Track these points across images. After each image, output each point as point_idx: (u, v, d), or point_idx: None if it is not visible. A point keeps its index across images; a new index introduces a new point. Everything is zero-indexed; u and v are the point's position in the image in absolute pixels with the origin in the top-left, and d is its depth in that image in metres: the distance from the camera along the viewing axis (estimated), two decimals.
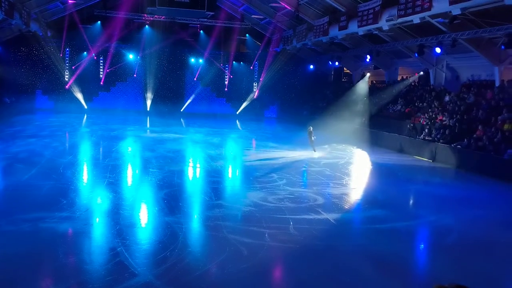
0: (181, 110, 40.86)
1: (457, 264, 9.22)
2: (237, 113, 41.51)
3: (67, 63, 39.33)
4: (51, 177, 15.19)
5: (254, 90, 42.03)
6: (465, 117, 22.46)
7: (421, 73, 30.07)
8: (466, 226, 11.83)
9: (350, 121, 29.08)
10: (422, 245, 11.08)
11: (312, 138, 21.83)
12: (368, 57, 31.18)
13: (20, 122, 28.03)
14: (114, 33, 36.80)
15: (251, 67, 42.09)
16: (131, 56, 40.06)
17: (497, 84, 23.55)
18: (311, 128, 22.00)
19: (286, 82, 41.02)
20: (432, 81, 29.00)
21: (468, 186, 17.35)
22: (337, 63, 36.87)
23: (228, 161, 21.77)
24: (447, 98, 25.40)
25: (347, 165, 20.43)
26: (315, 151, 21.91)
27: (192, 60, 41.17)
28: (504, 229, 11.85)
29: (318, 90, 39.61)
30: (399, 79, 33.38)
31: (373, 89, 33.57)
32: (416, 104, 27.51)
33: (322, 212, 12.41)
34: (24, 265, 8.15)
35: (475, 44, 22.91)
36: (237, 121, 38.94)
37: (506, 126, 19.43)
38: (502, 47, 20.94)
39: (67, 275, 7.94)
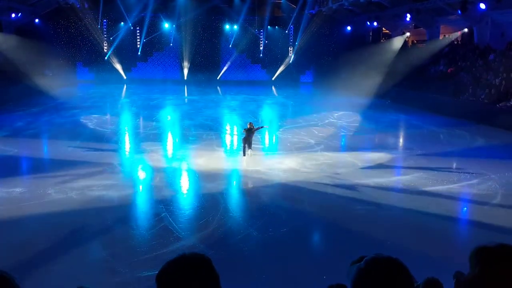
0: (218, 78, 40.95)
1: None
2: (273, 79, 41.21)
3: (105, 34, 39.87)
4: (95, 147, 15.70)
5: (290, 54, 41.48)
6: (511, 76, 21.54)
7: (465, 30, 28.78)
8: None
9: (382, 81, 28.27)
10: (464, 207, 10.91)
11: (250, 139, 14.41)
12: (408, 16, 30.06)
13: (63, 94, 28.87)
14: (149, 2, 36.89)
15: (286, 31, 41.43)
16: (166, 25, 40.15)
17: None
18: (252, 125, 14.55)
19: (322, 46, 40.20)
20: (476, 39, 27.77)
21: None
22: (375, 23, 35.76)
23: (264, 127, 21.81)
24: (492, 57, 24.35)
25: (386, 129, 20.09)
26: (248, 155, 14.36)
27: (227, 27, 40.89)
28: None
29: (355, 52, 38.68)
30: (441, 37, 32.11)
31: (410, 48, 32.44)
32: (459, 63, 26.52)
33: (361, 176, 12.36)
34: (73, 232, 8.58)
35: None
36: (272, 87, 38.75)
37: None
38: None
39: (115, 241, 8.32)
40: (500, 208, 10.16)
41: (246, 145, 14.22)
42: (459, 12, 25.50)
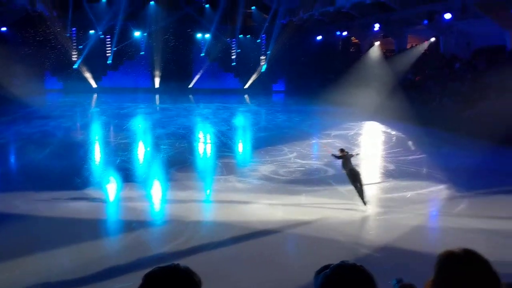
0: (190, 87, 40.79)
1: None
2: (246, 87, 41.33)
3: (74, 42, 39.25)
4: (64, 157, 15.40)
5: (262, 63, 41.73)
6: (476, 84, 22.19)
7: (432, 40, 29.54)
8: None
9: (366, 91, 28.57)
10: (434, 212, 11.13)
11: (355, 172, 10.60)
12: (377, 25, 30.70)
13: (31, 103, 28.25)
14: (120, 10, 36.56)
15: (258, 40, 41.70)
16: (137, 34, 39.87)
17: (508, 49, 23.13)
18: (345, 152, 10.79)
19: (294, 55, 40.55)
20: (442, 49, 28.56)
21: None
22: (345, 33, 36.36)
23: (237, 135, 21.85)
24: (457, 66, 25.05)
25: (356, 136, 20.40)
26: (365, 203, 10.32)
27: (199, 35, 40.88)
28: None
29: (326, 62, 39.19)
30: (408, 47, 32.87)
31: (384, 58, 32.98)
32: (426, 72, 27.18)
33: (333, 183, 12.48)
34: (40, 244, 8.36)
35: (485, 9, 22.41)
36: (245, 95, 38.85)
37: None
38: None
39: (84, 252, 8.13)
40: (466, 214, 10.39)
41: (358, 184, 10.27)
42: (426, 22, 26.22)
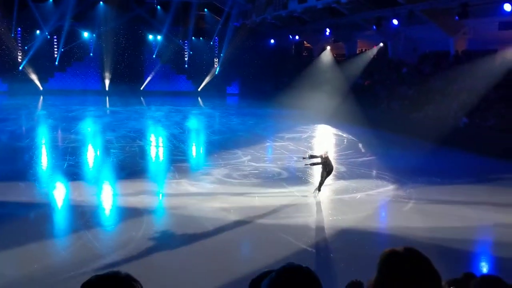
0: (141, 89, 40.05)
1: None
2: (199, 90, 41.05)
3: (19, 43, 37.73)
4: (8, 162, 14.73)
5: (215, 66, 41.60)
6: (422, 88, 23.02)
7: (381, 45, 30.43)
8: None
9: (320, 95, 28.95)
10: (383, 213, 11.42)
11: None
12: (328, 30, 31.31)
13: None
14: (67, 10, 35.40)
15: (211, 43, 41.56)
16: (86, 35, 38.80)
17: (452, 54, 24.17)
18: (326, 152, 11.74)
19: (247, 58, 40.70)
20: (390, 54, 29.46)
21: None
22: (297, 37, 36.86)
23: (190, 138, 21.66)
24: (405, 70, 25.91)
25: (309, 139, 20.68)
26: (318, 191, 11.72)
27: (150, 37, 40.27)
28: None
29: (279, 65, 39.60)
30: (358, 52, 33.69)
31: (336, 63, 33.63)
32: (375, 77, 27.95)
33: (286, 186, 12.57)
34: None
35: (431, 15, 23.33)
36: (198, 98, 38.59)
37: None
38: (456, 17, 21.41)
39: (29, 260, 7.79)
40: (414, 212, 10.74)
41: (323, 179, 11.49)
42: (374, 27, 26.97)
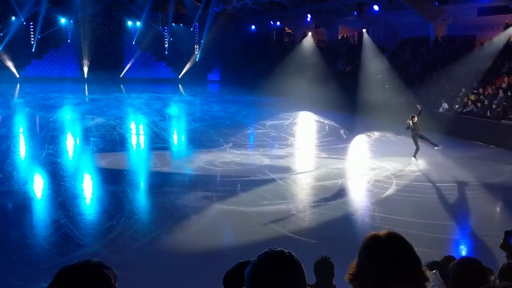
0: (121, 76, 39.48)
1: None
2: (179, 77, 40.65)
3: None
4: None
5: (196, 52, 41.17)
6: (403, 73, 23.17)
7: (364, 30, 30.41)
8: None
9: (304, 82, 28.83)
10: (364, 198, 11.53)
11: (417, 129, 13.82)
12: (309, 16, 31.17)
13: None
14: None
15: (191, 29, 41.06)
16: (63, 21, 37.95)
17: (432, 39, 24.35)
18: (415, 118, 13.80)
19: (228, 44, 40.37)
20: (371, 40, 29.49)
21: None
22: (278, 23, 36.65)
23: (171, 126, 21.49)
24: (385, 56, 26.02)
25: (291, 126, 20.70)
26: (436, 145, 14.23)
27: (129, 23, 39.59)
28: None
29: (260, 52, 39.40)
30: (339, 37, 33.67)
31: (317, 49, 33.52)
32: (356, 63, 28.01)
33: (268, 173, 12.58)
34: None
35: (411, 1, 23.41)
36: (179, 85, 38.24)
37: (472, 98, 19.20)
38: (436, 3, 21.53)
39: (9, 251, 7.67)
40: (395, 197, 10.86)
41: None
42: (355, 13, 26.97)
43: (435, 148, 14.22)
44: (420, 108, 14.19)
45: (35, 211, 9.86)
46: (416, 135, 13.78)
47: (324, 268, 4.36)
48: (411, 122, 13.62)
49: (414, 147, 13.97)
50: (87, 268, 1.65)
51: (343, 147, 16.39)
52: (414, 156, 13.88)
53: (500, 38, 20.23)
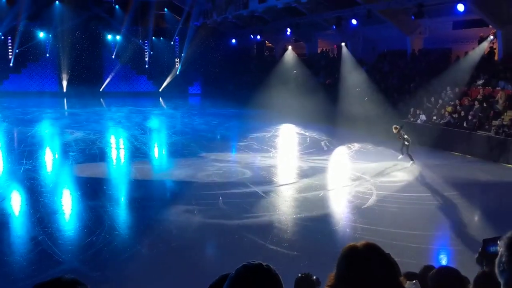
0: (101, 90, 39.14)
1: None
2: (160, 90, 40.51)
3: None
4: None
5: (177, 66, 41.14)
6: (381, 86, 23.50)
7: (343, 44, 30.79)
8: None
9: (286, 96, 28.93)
10: (346, 209, 11.59)
11: (404, 140, 15.07)
12: (289, 30, 31.47)
13: None
14: (22, 9, 34.17)
15: (172, 43, 41.06)
16: (42, 35, 37.60)
17: (409, 52, 24.81)
18: (398, 127, 15.28)
19: (209, 57, 40.45)
20: (350, 53, 29.89)
21: None
22: (258, 37, 36.90)
23: (152, 139, 21.36)
24: (364, 69, 26.39)
25: (273, 138, 20.77)
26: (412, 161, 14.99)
27: (109, 37, 39.42)
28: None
29: (241, 65, 39.58)
30: (319, 51, 34.04)
31: (298, 62, 33.76)
32: (336, 76, 28.32)
33: (250, 185, 12.57)
34: None
35: (388, 15, 23.85)
36: (160, 98, 38.11)
37: (448, 109, 19.65)
38: (412, 17, 21.96)
39: None
40: (375, 208, 10.95)
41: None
42: (334, 27, 27.32)
43: (410, 163, 14.94)
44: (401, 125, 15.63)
45: (12, 228, 9.66)
46: (404, 145, 14.99)
47: (305, 285, 4.35)
48: (396, 132, 15.00)
49: (395, 157, 14.24)
50: (60, 285, 1.62)
51: (324, 158, 16.50)
52: (412, 160, 14.91)
53: (476, 52, 20.74)
